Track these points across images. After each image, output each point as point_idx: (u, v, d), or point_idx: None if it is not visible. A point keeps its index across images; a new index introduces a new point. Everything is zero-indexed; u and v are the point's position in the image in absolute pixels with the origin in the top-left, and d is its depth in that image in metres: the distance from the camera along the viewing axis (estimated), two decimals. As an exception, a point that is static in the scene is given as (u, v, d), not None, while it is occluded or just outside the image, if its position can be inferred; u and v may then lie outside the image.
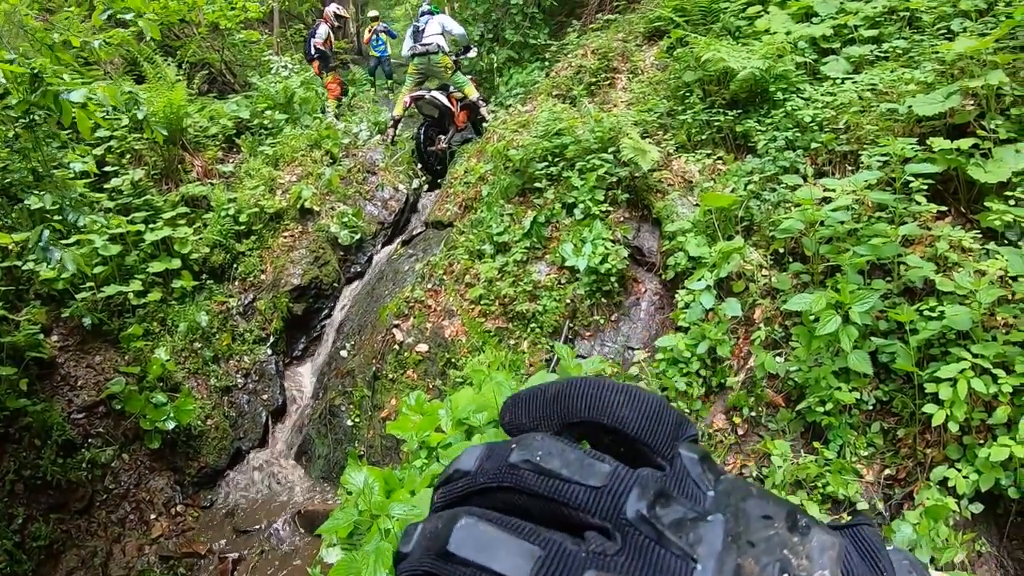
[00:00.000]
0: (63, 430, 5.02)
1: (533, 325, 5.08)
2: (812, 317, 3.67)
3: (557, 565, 0.28)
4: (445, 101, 8.36)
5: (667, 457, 0.34)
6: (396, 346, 5.53)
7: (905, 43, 5.15)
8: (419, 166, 8.62)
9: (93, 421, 5.29)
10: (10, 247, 5.14)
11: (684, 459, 0.33)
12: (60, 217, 5.16)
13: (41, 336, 5.19)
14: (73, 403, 5.26)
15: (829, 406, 3.67)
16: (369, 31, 12.75)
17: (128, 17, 4.40)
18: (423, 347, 5.41)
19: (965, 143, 3.96)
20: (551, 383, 0.38)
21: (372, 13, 13.22)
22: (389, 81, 12.51)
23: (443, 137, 8.62)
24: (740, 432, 4.04)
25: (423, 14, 8.74)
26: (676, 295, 4.61)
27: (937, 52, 4.63)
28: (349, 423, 5.58)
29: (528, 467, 0.32)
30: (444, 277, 5.75)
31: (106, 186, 6.35)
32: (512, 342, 5.10)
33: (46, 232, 4.38)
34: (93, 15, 5.06)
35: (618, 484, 0.30)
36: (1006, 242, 3.82)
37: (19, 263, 5.20)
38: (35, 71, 4.20)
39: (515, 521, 0.30)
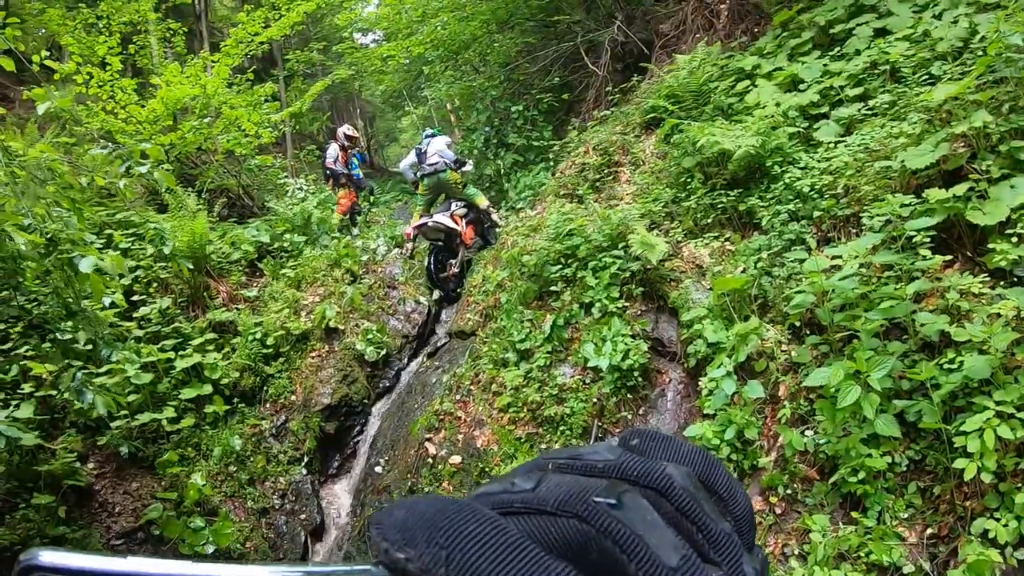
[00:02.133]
0: (102, 558, 5.02)
1: (562, 428, 5.10)
2: (833, 389, 3.69)
3: (694, 568, 0.32)
4: (450, 223, 8.36)
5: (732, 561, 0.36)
6: (429, 459, 5.55)
7: (890, 96, 5.26)
8: (434, 294, 8.58)
9: (132, 547, 5.25)
10: (44, 376, 5.27)
11: (748, 569, 0.36)
12: (92, 351, 5.31)
13: (78, 464, 5.22)
14: (112, 529, 5.24)
15: (862, 474, 3.65)
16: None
17: (144, 168, 4.60)
18: (456, 459, 5.44)
19: (960, 188, 4.03)
20: (688, 444, 0.42)
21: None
22: (371, 196, 12.54)
23: (453, 261, 8.57)
24: (778, 511, 4.00)
25: (426, 137, 9.09)
26: (700, 382, 4.64)
27: (922, 101, 4.74)
28: (388, 540, 5.55)
29: (606, 508, 0.34)
30: (471, 388, 5.82)
31: (135, 315, 6.50)
32: (543, 446, 5.12)
33: (79, 374, 4.51)
34: (113, 164, 5.30)
35: (690, 575, 0.32)
36: (1015, 280, 3.85)
37: (54, 392, 5.30)
38: (50, 236, 4.38)
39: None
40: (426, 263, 8.46)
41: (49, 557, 0.37)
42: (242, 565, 0.36)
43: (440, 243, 8.52)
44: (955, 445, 3.40)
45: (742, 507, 0.40)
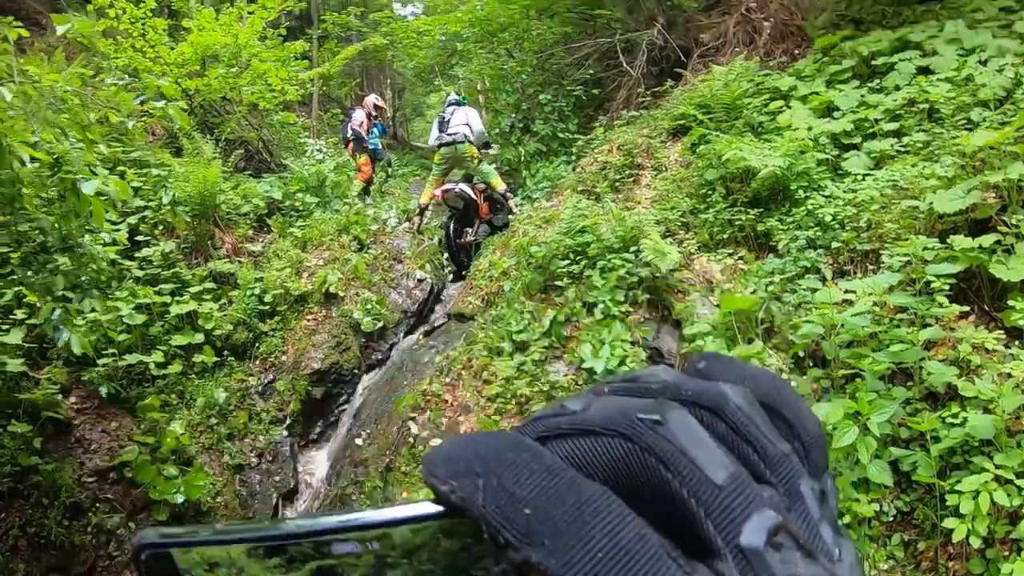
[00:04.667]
0: (72, 492, 4.96)
1: (548, 426, 5.03)
2: (830, 427, 3.61)
3: (744, 486, 0.30)
4: (471, 193, 8.46)
5: (788, 480, 0.34)
6: (411, 439, 5.50)
7: (925, 136, 5.20)
8: (446, 258, 8.74)
9: (103, 486, 5.23)
10: (38, 304, 5.21)
11: (807, 492, 0.34)
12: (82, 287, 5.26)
13: (60, 396, 5.21)
14: (85, 466, 5.22)
15: (848, 518, 3.57)
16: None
17: (160, 103, 4.52)
18: (437, 441, 5.34)
19: (987, 240, 3.96)
20: (756, 367, 0.40)
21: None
22: (388, 167, 12.57)
23: (469, 230, 8.69)
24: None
25: (449, 104, 8.96)
26: (695, 400, 4.56)
27: (957, 145, 4.66)
28: (359, 513, 5.51)
29: (651, 425, 0.32)
30: (462, 372, 5.75)
31: (137, 255, 6.49)
32: (526, 441, 5.06)
33: (57, 311, 4.45)
34: (126, 98, 5.21)
35: (737, 494, 0.31)
36: (1031, 340, 3.77)
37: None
38: (56, 156, 4.32)
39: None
40: (446, 229, 8.57)
41: (159, 535, 0.39)
42: (315, 517, 0.37)
43: (459, 211, 8.57)
44: (947, 503, 3.33)
45: (811, 431, 0.37)
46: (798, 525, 0.32)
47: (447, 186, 8.47)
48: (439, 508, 0.34)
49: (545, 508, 0.30)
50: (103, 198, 4.09)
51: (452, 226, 8.49)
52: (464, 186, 8.45)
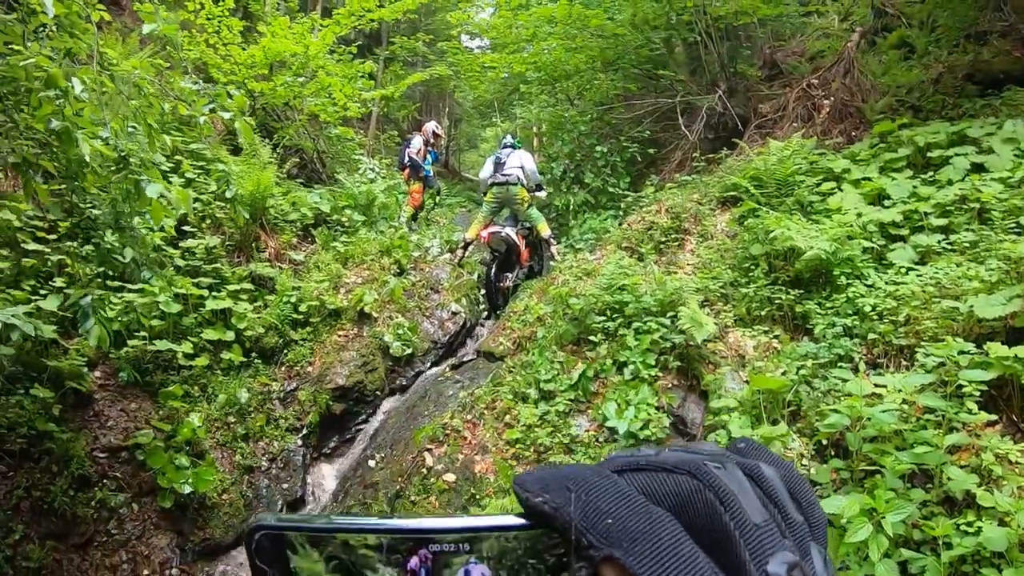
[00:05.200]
0: (82, 464, 5.03)
1: (563, 479, 5.01)
2: (844, 520, 3.58)
3: (773, 530, 0.40)
4: (515, 238, 8.50)
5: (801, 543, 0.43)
6: (424, 469, 5.51)
7: (973, 236, 5.16)
8: (483, 295, 8.79)
9: (113, 464, 5.29)
10: (78, 275, 5.33)
11: (815, 553, 0.43)
12: (131, 268, 5.36)
13: (85, 369, 5.30)
14: (99, 441, 5.29)
15: (851, 616, 3.52)
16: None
17: (227, 116, 4.64)
18: (451, 477, 5.38)
19: (1023, 350, 3.91)
20: (784, 460, 0.50)
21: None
22: (437, 195, 12.62)
23: (509, 275, 8.72)
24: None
25: (505, 147, 9.06)
26: (712, 474, 4.52)
27: (1004, 249, 4.63)
28: (362, 535, 5.50)
29: (713, 469, 0.42)
30: (485, 412, 5.77)
31: (182, 245, 6.62)
32: (540, 491, 5.04)
33: (88, 298, 4.54)
34: (198, 103, 5.36)
35: (769, 534, 0.40)
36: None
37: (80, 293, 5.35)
38: (123, 153, 4.44)
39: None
40: (486, 271, 8.67)
41: (276, 518, 0.47)
42: (418, 517, 0.47)
43: (501, 255, 8.64)
44: (952, 612, 3.27)
45: (818, 517, 0.46)
46: (809, 570, 0.41)
47: (494, 229, 8.52)
48: (522, 521, 0.43)
49: (624, 520, 0.39)
50: (163, 202, 4.18)
51: (493, 269, 8.55)
52: (510, 231, 8.48)
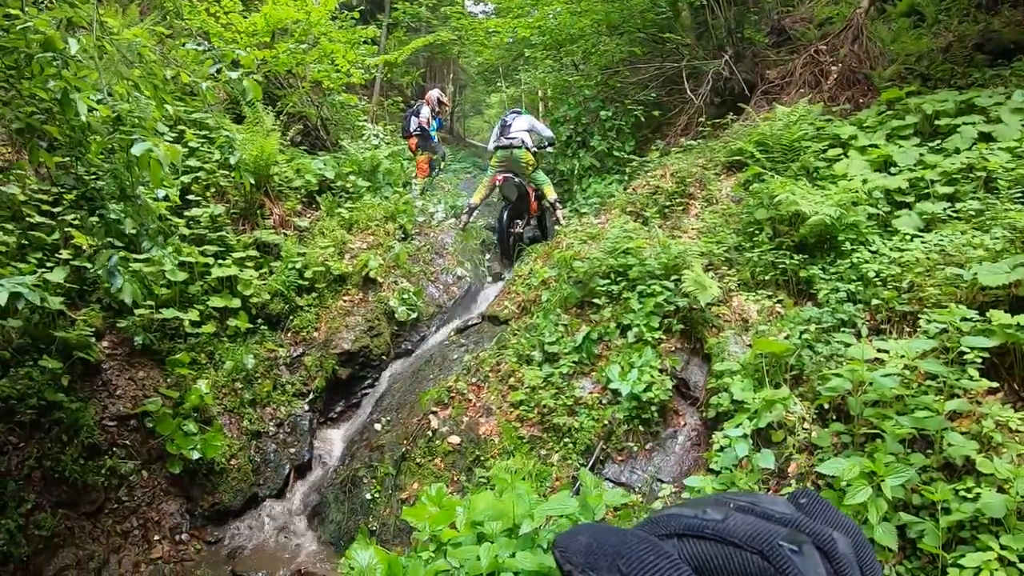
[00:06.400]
0: (92, 433, 5.12)
1: (567, 440, 5.07)
2: (844, 483, 3.61)
3: None
4: (526, 186, 8.79)
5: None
6: (429, 432, 5.57)
7: (979, 204, 5.12)
8: (497, 242, 9.09)
9: (122, 432, 5.39)
10: (84, 247, 5.36)
11: None
12: (135, 237, 5.38)
13: (93, 339, 5.36)
14: (108, 410, 5.37)
15: (846, 576, 3.55)
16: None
17: (235, 74, 4.62)
18: (455, 439, 5.44)
19: None
20: (848, 518, 0.49)
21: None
22: (442, 162, 12.61)
23: (520, 222, 9.04)
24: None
25: (513, 112, 9.18)
26: (714, 436, 4.56)
27: (1009, 218, 4.62)
28: (368, 496, 5.58)
29: (788, 553, 0.39)
30: (489, 374, 5.81)
31: (186, 214, 6.63)
32: (543, 452, 5.10)
33: (115, 257, 4.57)
34: (204, 65, 5.34)
35: None
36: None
37: (89, 265, 5.38)
38: (117, 114, 4.43)
39: None
40: (499, 217, 8.98)
41: None
42: None
43: (512, 203, 8.90)
44: (948, 576, 3.31)
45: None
46: None
47: (507, 174, 8.73)
48: None
49: None
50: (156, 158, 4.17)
51: (506, 215, 8.84)
52: (521, 179, 8.72)
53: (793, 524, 0.41)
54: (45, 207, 5.41)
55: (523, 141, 8.69)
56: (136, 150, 4.06)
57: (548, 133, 9.19)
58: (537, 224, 9.49)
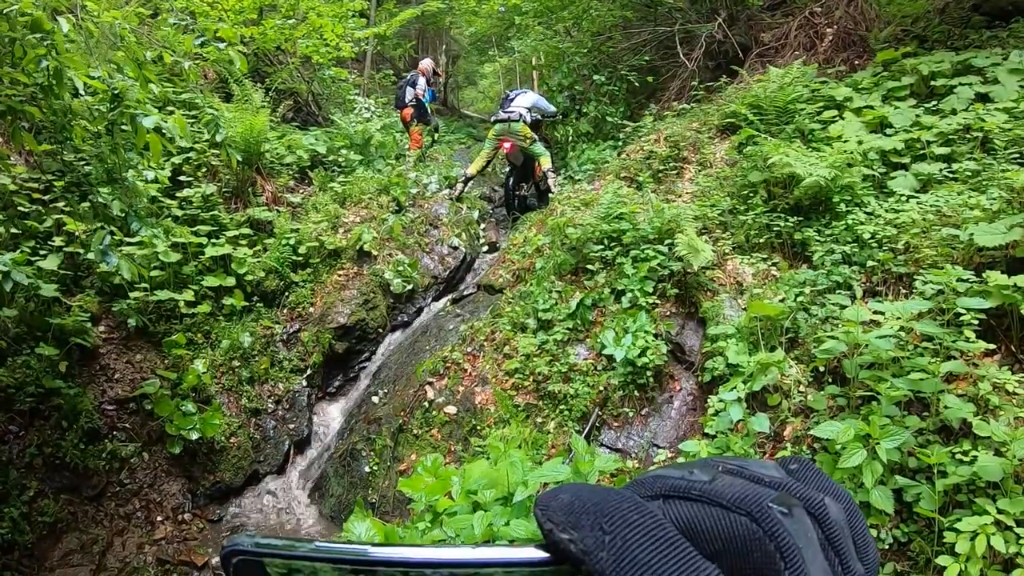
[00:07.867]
0: (91, 418, 5.15)
1: (563, 407, 5.07)
2: (839, 446, 3.60)
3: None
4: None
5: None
6: (426, 403, 5.58)
7: (975, 165, 5.06)
8: (504, 203, 9.40)
9: (121, 415, 5.42)
10: (76, 233, 5.34)
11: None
12: (124, 220, 5.36)
13: (89, 324, 5.37)
14: (106, 394, 5.40)
15: (841, 539, 3.56)
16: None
17: (222, 46, 4.57)
18: (452, 409, 5.45)
19: (1023, 279, 3.88)
20: (839, 486, 0.46)
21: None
22: (436, 133, 12.54)
23: (524, 185, 9.30)
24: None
25: (518, 90, 9.39)
26: (709, 400, 4.55)
27: (1007, 179, 4.56)
28: (367, 469, 5.61)
29: (778, 515, 0.38)
30: (484, 344, 5.80)
31: (178, 195, 6.60)
32: (539, 420, 5.10)
33: (108, 237, 4.56)
34: (186, 39, 5.27)
35: None
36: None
37: (82, 250, 5.37)
38: (116, 91, 4.39)
39: None
40: (506, 179, 9.32)
41: (253, 543, 0.42)
42: (411, 547, 0.40)
43: (517, 167, 9.15)
44: (944, 540, 3.28)
45: (872, 558, 0.42)
46: None
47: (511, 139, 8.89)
48: (541, 555, 0.37)
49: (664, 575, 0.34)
50: (161, 133, 4.14)
51: (512, 178, 9.18)
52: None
53: (784, 487, 0.40)
54: (36, 195, 5.39)
55: (521, 115, 8.72)
56: (147, 123, 4.05)
57: (551, 109, 9.40)
58: (535, 190, 9.55)
